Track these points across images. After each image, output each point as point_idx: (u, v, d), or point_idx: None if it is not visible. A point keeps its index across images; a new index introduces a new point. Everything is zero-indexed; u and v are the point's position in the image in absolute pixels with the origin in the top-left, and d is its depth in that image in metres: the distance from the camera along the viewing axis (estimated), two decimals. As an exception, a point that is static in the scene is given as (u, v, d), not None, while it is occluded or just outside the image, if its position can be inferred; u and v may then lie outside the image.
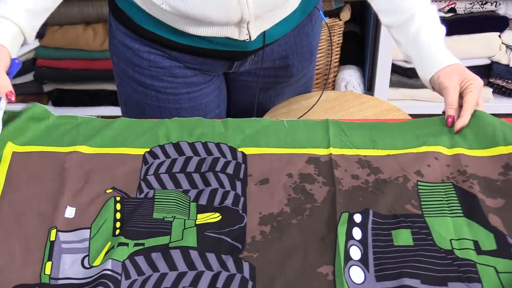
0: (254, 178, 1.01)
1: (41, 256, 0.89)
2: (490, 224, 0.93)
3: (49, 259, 0.89)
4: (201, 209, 0.96)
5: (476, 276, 0.86)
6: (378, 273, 0.87)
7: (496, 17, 2.22)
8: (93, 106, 2.35)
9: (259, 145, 1.07)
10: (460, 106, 1.10)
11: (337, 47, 2.30)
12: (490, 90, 2.36)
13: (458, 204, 0.96)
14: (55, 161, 1.02)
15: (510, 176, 1.00)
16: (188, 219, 0.94)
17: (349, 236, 0.91)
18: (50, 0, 1.11)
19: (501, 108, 2.31)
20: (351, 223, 0.93)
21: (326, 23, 1.37)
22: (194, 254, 0.89)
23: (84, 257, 0.90)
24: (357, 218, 0.94)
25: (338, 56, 2.33)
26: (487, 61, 2.31)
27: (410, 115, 1.35)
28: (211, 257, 0.89)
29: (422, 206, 0.96)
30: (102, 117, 1.14)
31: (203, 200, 0.97)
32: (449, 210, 0.96)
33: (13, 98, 1.01)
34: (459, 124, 1.07)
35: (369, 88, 2.38)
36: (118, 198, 0.97)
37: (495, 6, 2.20)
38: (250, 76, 1.34)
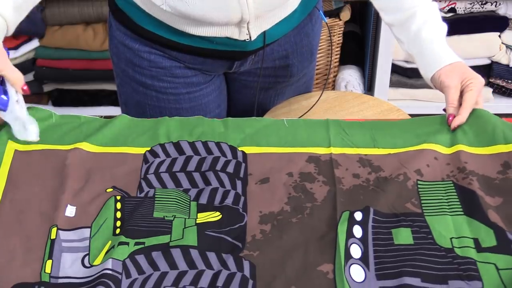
0: (254, 177, 1.01)
1: (42, 254, 0.90)
2: (489, 220, 0.93)
3: (50, 257, 0.89)
4: (201, 208, 0.97)
5: (476, 274, 0.86)
6: (378, 271, 0.87)
7: (496, 17, 2.22)
8: (93, 106, 2.35)
9: (259, 144, 1.07)
10: (461, 104, 1.10)
11: (337, 47, 2.30)
12: (490, 90, 2.36)
13: (458, 202, 0.97)
14: (56, 159, 1.03)
15: (509, 175, 1.00)
16: (189, 218, 0.94)
17: (350, 234, 0.91)
18: None
19: (501, 108, 2.31)
20: (351, 221, 0.93)
21: (326, 23, 1.37)
22: (194, 253, 0.89)
23: (84, 256, 0.90)
24: (358, 216, 0.94)
25: (338, 56, 2.33)
26: (487, 61, 2.31)
27: (410, 115, 1.35)
28: (212, 256, 0.89)
29: (422, 205, 0.97)
30: (103, 117, 1.14)
31: (203, 199, 0.97)
32: (449, 209, 0.96)
33: (28, 92, 1.01)
34: (456, 122, 1.08)
35: (369, 88, 2.38)
36: (118, 197, 0.97)
37: (495, 6, 2.20)
38: (250, 76, 1.34)
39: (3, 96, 0.99)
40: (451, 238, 0.92)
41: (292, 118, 1.14)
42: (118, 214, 0.95)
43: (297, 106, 1.41)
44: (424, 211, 0.96)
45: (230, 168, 1.02)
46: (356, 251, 0.90)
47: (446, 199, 0.98)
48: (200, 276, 0.87)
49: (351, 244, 0.90)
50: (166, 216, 0.94)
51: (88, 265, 0.89)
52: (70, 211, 0.95)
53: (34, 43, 2.20)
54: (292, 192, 0.99)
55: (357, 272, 0.87)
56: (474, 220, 0.94)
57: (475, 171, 1.01)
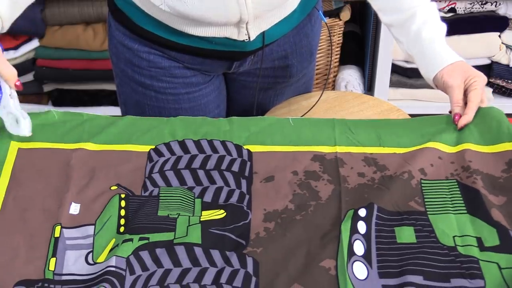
0: (259, 176, 1.02)
1: (45, 252, 0.90)
2: (493, 219, 0.93)
3: (53, 255, 0.90)
4: (206, 206, 0.97)
5: (479, 273, 0.86)
6: (381, 269, 0.88)
7: (496, 17, 2.22)
8: (93, 106, 2.35)
9: (264, 142, 1.07)
10: (465, 103, 1.10)
11: (337, 47, 2.30)
12: (490, 90, 2.36)
13: (462, 201, 0.97)
14: (60, 158, 1.03)
15: None
16: (193, 215, 0.95)
17: (354, 230, 0.92)
18: None
19: (501, 108, 2.29)
20: (356, 218, 0.93)
21: (326, 23, 1.37)
22: (198, 251, 0.89)
23: (88, 253, 0.90)
24: (362, 212, 0.94)
25: (338, 56, 2.33)
26: (487, 61, 2.31)
27: (410, 115, 1.35)
28: (215, 254, 0.89)
29: (426, 203, 0.97)
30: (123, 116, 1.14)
31: (208, 197, 0.98)
32: (452, 207, 0.96)
33: (21, 87, 1.02)
34: (463, 121, 1.08)
35: (369, 88, 2.38)
36: (123, 196, 0.98)
37: (495, 6, 2.20)
38: (250, 76, 1.34)
39: None
40: (453, 237, 0.92)
41: (297, 117, 1.14)
42: (122, 212, 0.95)
43: (297, 106, 1.41)
44: (428, 209, 0.96)
45: (236, 167, 1.02)
46: (359, 247, 0.90)
47: (450, 197, 0.98)
48: (203, 273, 0.87)
49: (354, 240, 0.91)
50: (171, 214, 0.95)
51: (92, 262, 0.89)
52: (75, 208, 0.96)
53: (34, 43, 2.20)
54: (297, 190, 0.99)
55: (359, 269, 0.88)
56: (477, 219, 0.94)
57: (480, 170, 1.01)
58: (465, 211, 0.96)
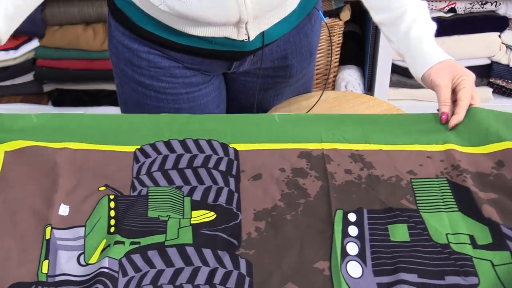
0: (247, 174, 1.02)
1: (37, 254, 0.90)
2: (484, 217, 0.93)
3: (46, 257, 0.89)
4: (195, 205, 0.97)
5: (472, 270, 0.87)
6: (375, 267, 0.88)
7: (496, 17, 2.22)
8: (93, 106, 2.35)
9: (250, 140, 1.07)
10: (454, 102, 1.11)
11: (337, 47, 2.30)
12: (490, 90, 2.36)
13: (453, 199, 0.97)
14: (46, 157, 1.02)
15: (502, 172, 1.00)
16: (183, 218, 0.95)
17: (345, 234, 0.92)
18: (27, 5, 1.10)
19: (501, 108, 2.29)
20: (346, 222, 0.94)
21: (326, 23, 1.37)
22: (190, 250, 0.90)
23: (80, 254, 0.90)
24: (352, 217, 0.95)
25: (338, 56, 2.33)
26: (487, 61, 2.31)
27: (409, 114, 1.35)
28: (207, 253, 0.89)
29: (417, 202, 0.97)
30: (107, 114, 1.14)
31: (197, 196, 0.98)
32: (444, 205, 0.96)
33: None
34: (454, 121, 1.08)
35: (369, 88, 2.38)
36: (112, 196, 0.97)
37: (495, 6, 2.20)
38: (250, 76, 1.34)
39: None
40: (446, 234, 0.92)
41: (282, 113, 1.14)
42: (112, 213, 0.95)
43: (297, 106, 1.41)
44: (419, 207, 0.96)
45: (223, 166, 1.03)
46: (352, 248, 0.91)
47: (441, 196, 0.98)
48: (196, 273, 0.87)
49: (347, 243, 0.91)
50: (161, 216, 0.94)
51: (83, 263, 0.89)
52: (64, 209, 0.95)
53: (34, 43, 2.20)
54: (285, 189, 0.99)
55: (354, 268, 0.88)
56: (469, 218, 0.94)
57: (469, 169, 1.02)
58: (457, 209, 0.96)
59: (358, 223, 0.94)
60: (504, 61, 2.29)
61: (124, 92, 1.32)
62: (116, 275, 0.86)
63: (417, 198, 0.98)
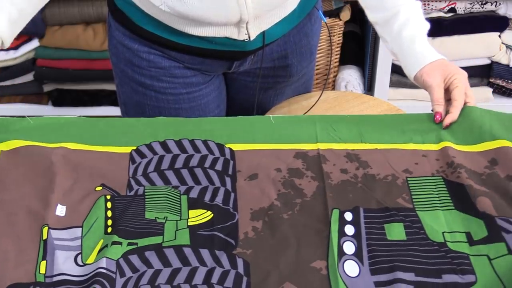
0: (243, 174, 1.02)
1: (35, 255, 0.90)
2: (479, 211, 0.94)
3: (43, 258, 0.89)
4: (192, 203, 0.97)
5: (469, 268, 0.87)
6: (372, 266, 0.88)
7: (496, 17, 2.22)
8: (93, 106, 2.35)
9: (246, 141, 1.08)
10: (449, 100, 1.11)
11: (337, 47, 2.30)
12: (490, 90, 2.36)
13: (449, 198, 0.98)
14: (42, 157, 1.02)
15: (495, 170, 1.01)
16: (180, 219, 0.95)
17: (342, 233, 0.93)
18: (30, 8, 1.11)
19: (501, 108, 2.29)
20: (342, 221, 0.94)
21: (326, 23, 1.37)
22: (187, 250, 0.90)
23: (77, 255, 0.90)
24: (348, 216, 0.95)
25: (338, 56, 2.33)
26: (487, 61, 2.31)
27: (404, 113, 1.35)
28: (205, 253, 0.89)
29: (413, 200, 0.98)
30: (102, 117, 1.14)
31: (194, 194, 0.98)
32: (440, 204, 0.97)
33: None
34: (448, 120, 1.09)
35: (369, 88, 2.38)
36: (108, 197, 0.98)
37: (495, 6, 2.20)
38: (250, 76, 1.34)
39: None
40: (443, 233, 0.93)
41: (278, 115, 1.14)
42: (109, 213, 0.95)
43: (297, 106, 1.41)
44: (415, 206, 0.97)
45: (219, 166, 1.03)
46: (349, 247, 0.91)
47: (437, 194, 0.99)
48: (194, 273, 0.87)
49: (344, 242, 0.91)
50: (158, 218, 0.95)
51: (81, 263, 0.89)
52: (61, 210, 0.95)
53: (34, 43, 2.20)
54: (282, 188, 1.00)
55: (351, 267, 0.88)
56: (465, 214, 0.95)
57: (463, 165, 1.02)
58: (453, 207, 0.96)
59: (355, 222, 0.94)
60: (504, 61, 2.28)
61: (124, 92, 1.32)
62: (113, 276, 0.86)
63: (413, 196, 0.98)
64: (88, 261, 0.89)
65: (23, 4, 1.08)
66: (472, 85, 1.19)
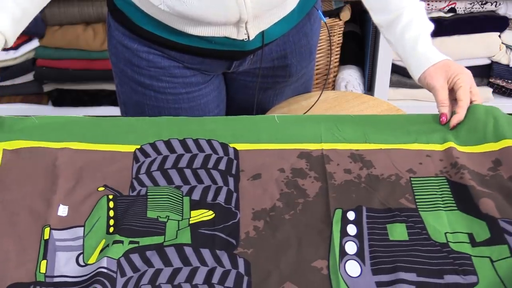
0: (246, 174, 1.02)
1: (36, 255, 0.90)
2: (482, 213, 0.94)
3: (44, 257, 0.89)
4: (194, 204, 0.97)
5: (471, 269, 0.87)
6: (374, 266, 0.88)
7: (496, 17, 2.22)
8: (93, 106, 2.35)
9: (250, 141, 1.08)
10: (454, 100, 1.11)
11: (337, 47, 2.30)
12: (490, 90, 2.36)
13: (452, 198, 0.98)
14: (46, 158, 1.02)
15: (499, 171, 1.01)
16: (182, 219, 0.95)
17: (344, 233, 0.92)
18: (33, 8, 1.11)
19: (501, 108, 2.29)
20: (344, 221, 0.94)
21: (326, 23, 1.37)
22: (188, 250, 0.90)
23: (79, 255, 0.90)
24: (351, 215, 0.95)
25: (338, 56, 2.33)
26: (487, 61, 2.31)
27: (409, 114, 1.35)
28: (206, 253, 0.89)
29: (416, 200, 0.97)
30: (106, 117, 1.14)
31: (196, 195, 0.98)
32: (443, 204, 0.97)
33: None
34: (454, 120, 1.09)
35: (369, 88, 2.38)
36: (111, 197, 0.98)
37: (495, 6, 2.20)
38: (249, 76, 1.34)
39: None
40: (445, 233, 0.93)
41: (283, 115, 1.14)
42: (111, 213, 0.95)
43: (297, 106, 1.41)
44: (418, 206, 0.97)
45: (222, 166, 1.03)
46: (351, 247, 0.91)
47: (440, 194, 0.98)
48: (195, 272, 0.87)
49: (346, 242, 0.91)
50: (160, 217, 0.95)
51: (82, 263, 0.89)
52: (63, 210, 0.95)
53: (34, 43, 2.20)
54: (284, 188, 0.99)
55: (352, 267, 0.88)
56: (468, 215, 0.95)
57: (467, 165, 1.02)
58: (455, 208, 0.96)
59: (357, 222, 0.94)
60: (504, 61, 2.28)
61: (124, 92, 1.32)
62: (114, 275, 0.86)
63: (416, 197, 0.98)
64: (90, 261, 0.89)
65: (26, 3, 1.08)
66: (472, 85, 1.18)
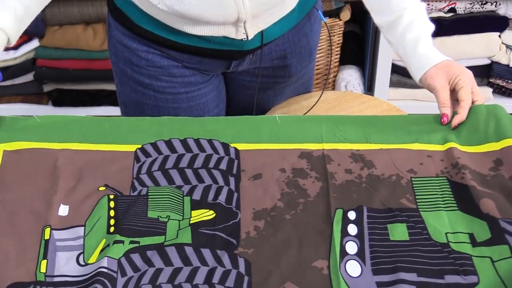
0: (247, 173, 1.02)
1: (36, 254, 0.90)
2: (482, 213, 0.94)
3: (44, 257, 0.89)
4: (195, 204, 0.97)
5: (472, 269, 0.87)
6: (374, 266, 0.88)
7: (496, 17, 2.22)
8: (93, 106, 2.35)
9: (251, 141, 1.08)
10: (456, 100, 1.11)
11: (337, 47, 2.30)
12: (490, 90, 2.36)
13: (453, 198, 0.98)
14: (46, 159, 1.03)
15: (500, 171, 1.01)
16: (183, 219, 0.95)
17: (345, 233, 0.92)
18: (35, 6, 1.11)
19: (501, 108, 2.31)
20: (345, 221, 0.94)
21: (326, 23, 1.37)
22: (188, 250, 0.90)
23: (79, 254, 0.90)
24: (352, 215, 0.95)
25: (338, 56, 2.33)
26: (487, 61, 2.31)
27: (410, 115, 1.35)
28: (206, 253, 0.89)
29: (417, 200, 0.98)
30: (107, 116, 1.14)
31: (196, 195, 0.98)
32: (443, 204, 0.97)
33: None
34: (456, 120, 1.09)
35: (369, 88, 2.38)
36: (111, 196, 0.98)
37: (495, 6, 2.20)
38: (249, 76, 1.34)
39: None
40: (446, 233, 0.93)
41: (284, 115, 1.14)
42: (112, 213, 0.95)
43: (297, 106, 1.41)
44: (419, 206, 0.97)
45: (223, 165, 1.03)
46: (352, 247, 0.91)
47: (441, 194, 0.99)
48: (195, 272, 0.87)
49: (346, 242, 0.91)
50: (161, 217, 0.95)
51: (83, 263, 0.89)
52: (63, 210, 0.96)
53: (34, 43, 2.20)
54: (285, 188, 0.99)
55: (353, 267, 0.88)
56: (468, 215, 0.95)
57: (468, 165, 1.02)
58: (456, 208, 0.96)
59: (358, 222, 0.94)
60: (504, 61, 2.29)
61: (124, 92, 1.32)
62: (115, 275, 0.86)
63: (417, 197, 0.98)
64: (90, 261, 0.89)
65: (28, 1, 1.09)
66: (472, 85, 1.18)
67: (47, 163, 1.02)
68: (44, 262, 0.89)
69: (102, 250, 0.90)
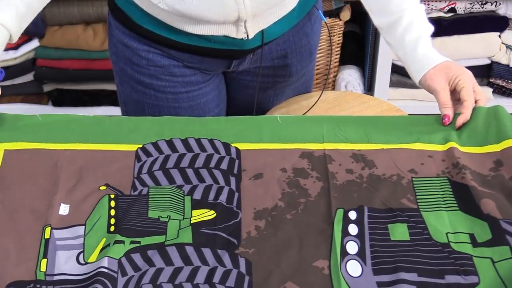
0: (248, 173, 1.02)
1: (36, 253, 0.90)
2: (483, 213, 0.94)
3: (44, 256, 0.89)
4: (195, 204, 0.97)
5: (472, 269, 0.87)
6: (375, 266, 0.88)
7: (496, 17, 2.22)
8: (93, 106, 2.35)
9: (252, 140, 1.08)
10: (458, 100, 1.11)
11: (337, 47, 2.30)
12: (490, 90, 2.36)
13: (453, 198, 0.98)
14: (47, 159, 1.03)
15: (501, 172, 1.01)
16: (183, 219, 0.95)
17: (345, 233, 0.92)
18: (37, 3, 1.11)
19: (501, 108, 2.31)
20: (346, 220, 0.94)
21: (326, 23, 1.37)
22: (189, 249, 0.90)
23: (79, 253, 0.90)
24: (352, 215, 0.95)
25: (338, 56, 2.33)
26: (487, 61, 2.31)
27: (410, 115, 1.35)
28: (207, 252, 0.89)
29: (418, 200, 0.98)
30: (108, 116, 1.14)
31: (197, 195, 0.98)
32: (444, 204, 0.97)
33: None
34: (460, 120, 1.09)
35: (369, 88, 2.38)
36: (112, 196, 0.98)
37: (495, 6, 2.20)
38: (249, 75, 1.34)
39: None
40: (447, 233, 0.93)
41: (285, 115, 1.14)
42: (112, 212, 0.95)
43: (297, 106, 1.41)
44: (420, 206, 0.97)
45: (224, 165, 1.03)
46: (352, 247, 0.91)
47: (442, 194, 0.99)
48: (196, 272, 0.87)
49: (347, 242, 0.91)
50: (161, 217, 0.95)
51: (83, 262, 0.89)
52: (64, 209, 0.96)
53: (34, 43, 2.20)
54: (286, 188, 1.00)
55: (353, 267, 0.88)
56: (469, 216, 0.95)
57: (468, 166, 1.02)
58: (457, 208, 0.96)
59: (359, 221, 0.94)
60: (504, 61, 2.29)
61: (124, 91, 1.32)
62: (115, 275, 0.86)
63: (418, 197, 0.98)
64: (90, 260, 0.89)
65: None
66: (472, 85, 1.18)
67: (48, 162, 1.02)
68: (44, 261, 0.89)
69: (102, 249, 0.90)
